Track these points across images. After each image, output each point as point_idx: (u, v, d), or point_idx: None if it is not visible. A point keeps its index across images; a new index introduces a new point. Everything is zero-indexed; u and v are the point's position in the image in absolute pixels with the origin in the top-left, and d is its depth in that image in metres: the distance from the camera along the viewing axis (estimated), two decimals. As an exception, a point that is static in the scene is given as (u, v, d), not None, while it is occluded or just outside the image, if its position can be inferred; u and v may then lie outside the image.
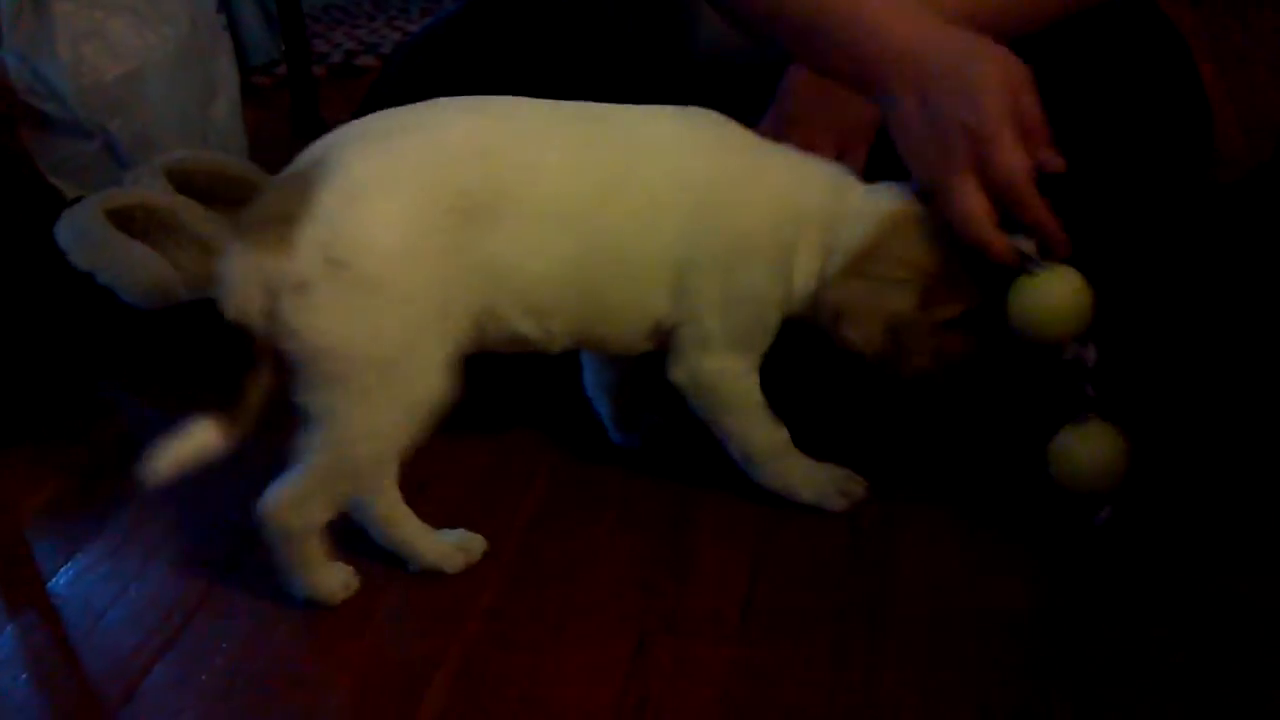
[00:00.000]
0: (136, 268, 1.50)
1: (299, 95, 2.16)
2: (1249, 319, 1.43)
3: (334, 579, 1.10)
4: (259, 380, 1.00)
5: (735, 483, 1.19)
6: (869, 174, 1.20)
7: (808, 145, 1.19)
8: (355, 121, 1.04)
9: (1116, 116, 1.23)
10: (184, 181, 1.66)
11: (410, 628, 1.06)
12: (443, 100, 1.07)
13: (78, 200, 1.62)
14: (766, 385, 1.15)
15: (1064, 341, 1.05)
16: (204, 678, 1.04)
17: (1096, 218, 1.25)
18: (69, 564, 1.19)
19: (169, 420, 1.40)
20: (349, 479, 1.05)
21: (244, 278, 0.97)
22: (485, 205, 1.01)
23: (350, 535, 1.14)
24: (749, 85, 1.31)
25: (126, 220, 1.56)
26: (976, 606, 1.07)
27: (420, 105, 1.06)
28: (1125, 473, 1.08)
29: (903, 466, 1.24)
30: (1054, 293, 1.03)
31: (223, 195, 1.69)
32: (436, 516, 1.15)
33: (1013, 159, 1.01)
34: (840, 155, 1.20)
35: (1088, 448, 1.08)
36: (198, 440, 1.01)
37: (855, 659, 1.02)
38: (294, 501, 1.04)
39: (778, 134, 1.20)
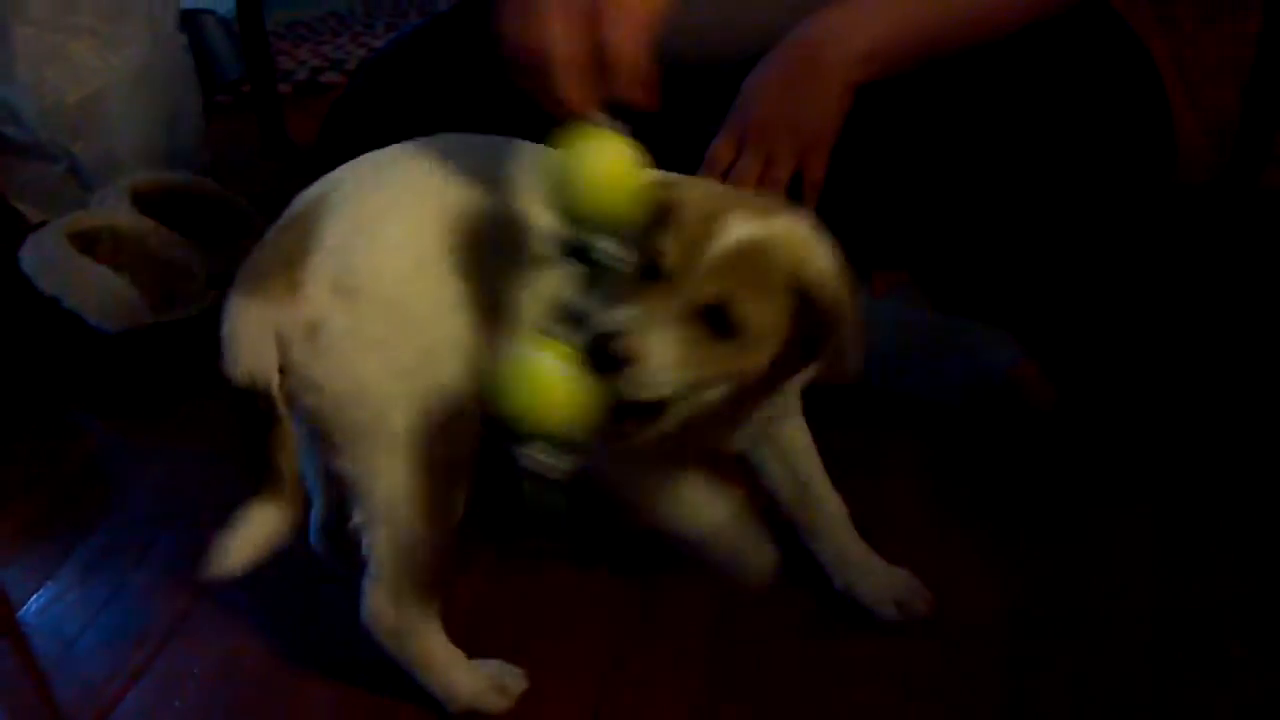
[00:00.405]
0: (102, 291, 1.49)
1: (264, 113, 2.15)
2: (1214, 314, 1.45)
3: (477, 679, 1.02)
4: (284, 446, 0.93)
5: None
6: (829, 182, 1.20)
7: (768, 155, 1.19)
8: (338, 169, 0.99)
9: (1080, 120, 1.24)
10: (149, 202, 1.65)
11: (381, 654, 1.06)
12: (418, 140, 1.02)
13: (42, 224, 1.61)
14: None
15: (584, 216, 0.85)
16: (177, 704, 1.04)
17: (1062, 220, 1.26)
18: (39, 591, 1.18)
19: (136, 445, 1.41)
20: (416, 547, 0.96)
21: (254, 335, 0.91)
22: (480, 230, 0.97)
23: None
24: (699, 89, 1.31)
25: (91, 243, 1.55)
26: (951, 610, 1.07)
27: (397, 145, 1.01)
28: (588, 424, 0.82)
29: (878, 470, 1.24)
30: (587, 153, 0.85)
31: (188, 215, 1.68)
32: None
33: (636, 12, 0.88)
34: (800, 164, 1.21)
35: (529, 371, 0.81)
36: (259, 528, 0.93)
37: (829, 666, 1.03)
38: (387, 598, 0.97)
39: (736, 143, 1.20)
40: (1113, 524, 1.16)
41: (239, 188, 1.73)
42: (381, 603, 0.97)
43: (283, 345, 0.91)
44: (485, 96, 1.33)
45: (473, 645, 1.03)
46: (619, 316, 0.82)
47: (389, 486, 0.94)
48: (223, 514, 1.23)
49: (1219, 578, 1.09)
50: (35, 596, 1.17)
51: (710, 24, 1.28)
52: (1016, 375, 1.25)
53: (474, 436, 0.96)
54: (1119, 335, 1.40)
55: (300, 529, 1.13)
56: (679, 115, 1.32)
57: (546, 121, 1.30)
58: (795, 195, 1.21)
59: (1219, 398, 1.32)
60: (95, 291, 1.48)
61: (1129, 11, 1.34)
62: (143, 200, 1.65)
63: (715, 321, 0.83)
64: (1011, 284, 1.35)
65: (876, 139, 1.22)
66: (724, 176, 1.21)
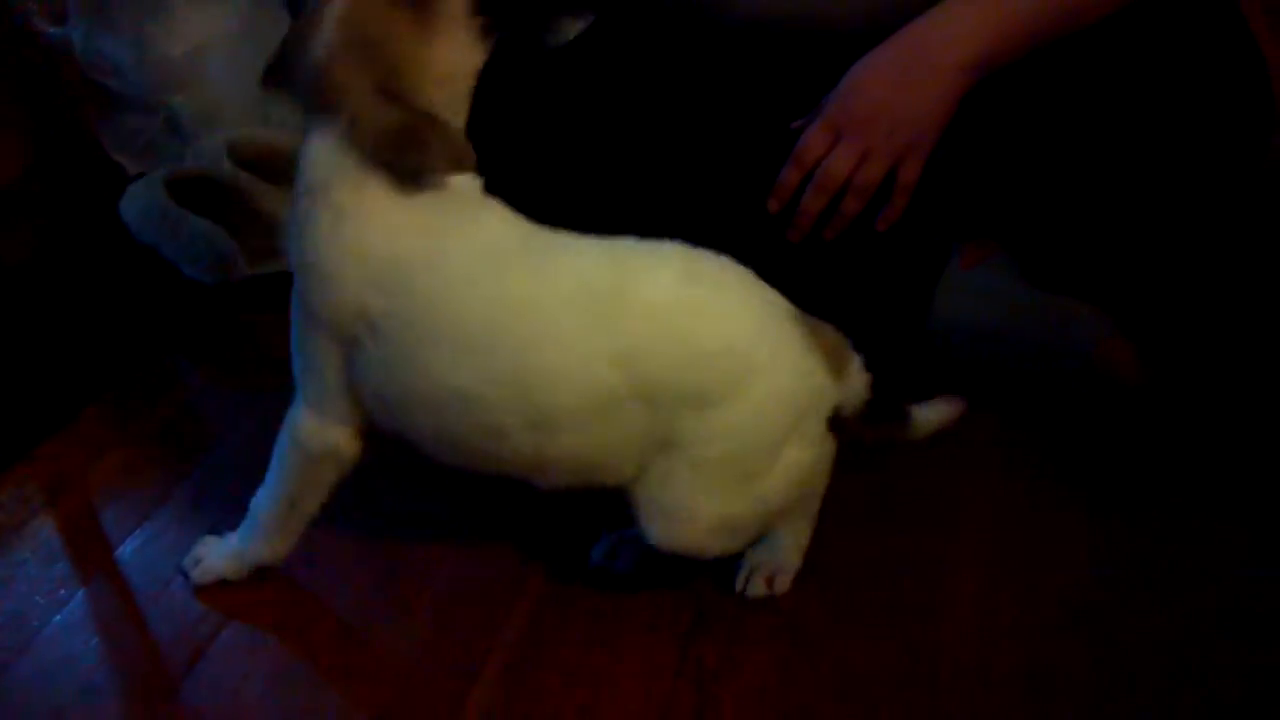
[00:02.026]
0: (199, 242, 1.52)
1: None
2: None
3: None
4: None
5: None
6: (919, 189, 1.19)
7: (864, 152, 1.18)
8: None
9: (1174, 89, 1.22)
10: (246, 157, 1.68)
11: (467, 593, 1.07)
12: None
13: (141, 176, 1.64)
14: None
15: None
16: (270, 643, 1.06)
17: (1155, 191, 1.24)
18: (137, 531, 1.21)
19: (230, 393, 1.44)
20: None
21: None
22: None
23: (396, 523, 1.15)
24: (787, 54, 1.30)
25: (189, 195, 1.58)
26: (1039, 578, 1.07)
27: None
28: None
29: (964, 441, 1.24)
30: None
31: (284, 171, 1.71)
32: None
33: None
34: (896, 168, 1.19)
35: None
36: None
37: (915, 612, 1.03)
38: None
39: (833, 134, 1.19)
40: (1203, 498, 1.14)
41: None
42: None
43: None
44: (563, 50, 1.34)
45: (555, 603, 1.05)
46: None
47: None
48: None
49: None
50: (131, 537, 1.21)
51: None
52: (1105, 351, 1.23)
53: None
54: (1212, 311, 1.38)
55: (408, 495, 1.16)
56: (762, 83, 1.32)
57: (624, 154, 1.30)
58: (884, 193, 1.20)
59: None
60: (193, 242, 1.52)
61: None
62: (239, 154, 1.68)
63: None
64: (1103, 258, 1.33)
65: (967, 108, 1.21)
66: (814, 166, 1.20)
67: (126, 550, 1.19)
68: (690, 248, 0.98)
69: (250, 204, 1.62)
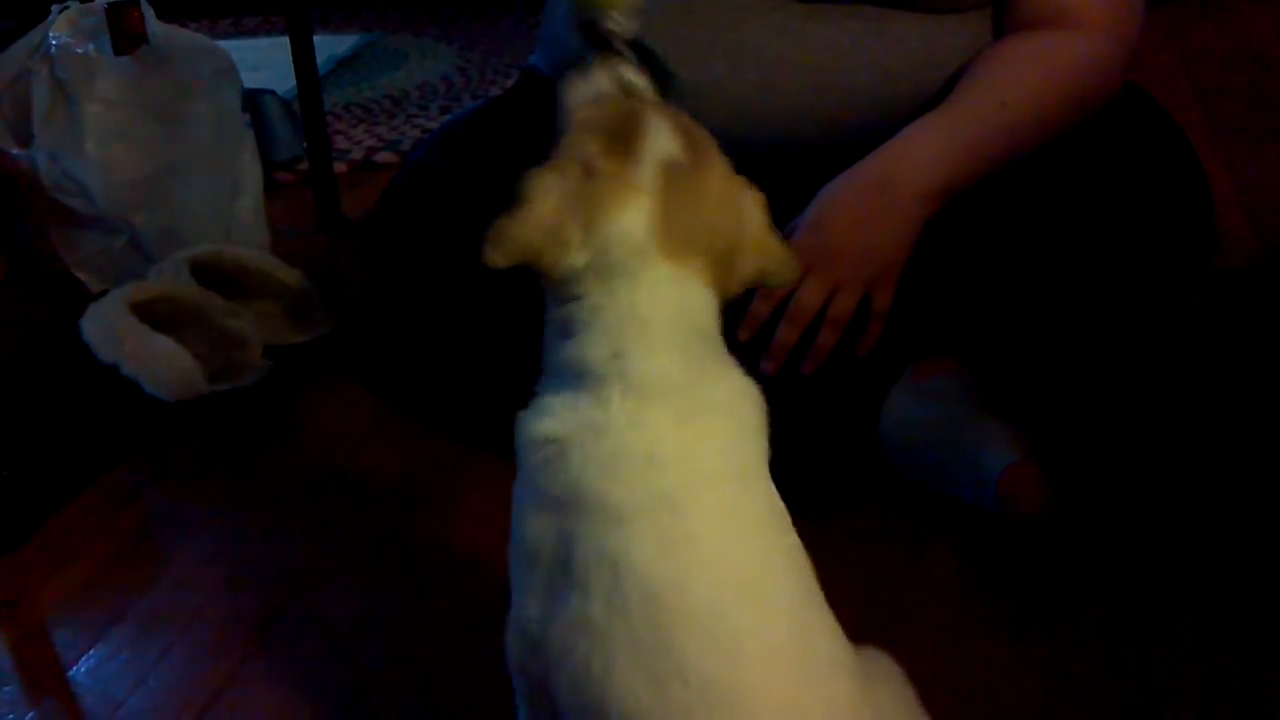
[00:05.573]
0: (160, 360, 1.52)
1: (320, 191, 2.20)
2: (1249, 410, 1.43)
3: None
4: None
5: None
6: (894, 312, 1.21)
7: (835, 284, 1.19)
8: None
9: (1119, 208, 1.26)
10: (207, 275, 1.70)
11: None
12: None
13: (103, 294, 1.65)
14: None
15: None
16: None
17: (1098, 309, 1.27)
18: (90, 652, 1.19)
19: (188, 512, 1.43)
20: None
21: None
22: None
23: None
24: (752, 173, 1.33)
25: (150, 313, 1.59)
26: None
27: None
28: None
29: (914, 561, 1.25)
30: None
31: (245, 288, 1.72)
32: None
33: None
34: (870, 294, 1.21)
35: None
36: None
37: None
38: None
39: (803, 262, 1.20)
40: (1118, 622, 1.15)
41: (295, 261, 1.78)
42: None
43: None
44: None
45: None
46: None
47: None
48: (271, 582, 1.25)
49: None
50: (85, 658, 1.19)
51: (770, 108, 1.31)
52: (1011, 478, 1.22)
53: None
54: (1146, 426, 1.40)
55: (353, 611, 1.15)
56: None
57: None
58: (860, 321, 1.22)
59: (1252, 497, 1.30)
60: (154, 360, 1.52)
61: (1171, 100, 1.36)
62: (202, 272, 1.69)
63: None
64: (1040, 377, 1.34)
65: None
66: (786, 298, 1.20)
67: (80, 671, 1.18)
68: None
69: (211, 321, 1.62)
